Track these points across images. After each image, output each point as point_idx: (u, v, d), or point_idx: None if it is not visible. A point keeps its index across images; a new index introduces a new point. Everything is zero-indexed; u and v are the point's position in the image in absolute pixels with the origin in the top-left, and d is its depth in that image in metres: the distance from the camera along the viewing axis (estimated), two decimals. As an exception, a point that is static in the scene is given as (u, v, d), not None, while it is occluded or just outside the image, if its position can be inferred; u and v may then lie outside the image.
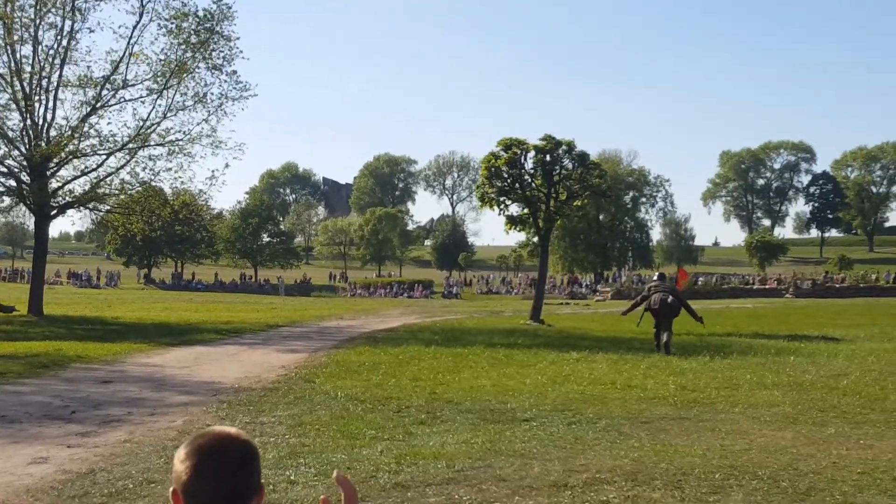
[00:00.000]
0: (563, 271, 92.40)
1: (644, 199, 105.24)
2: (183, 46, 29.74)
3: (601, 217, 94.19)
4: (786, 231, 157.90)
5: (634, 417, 10.44)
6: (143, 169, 30.82)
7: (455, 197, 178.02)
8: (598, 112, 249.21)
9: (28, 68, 28.79)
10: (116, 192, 31.64)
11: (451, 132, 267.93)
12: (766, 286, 71.34)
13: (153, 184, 32.46)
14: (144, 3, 29.15)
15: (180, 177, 31.40)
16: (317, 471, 7.51)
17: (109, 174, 30.81)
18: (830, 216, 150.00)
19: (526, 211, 32.11)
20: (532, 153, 31.48)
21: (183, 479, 1.99)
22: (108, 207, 33.92)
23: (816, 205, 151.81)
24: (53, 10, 28.79)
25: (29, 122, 28.83)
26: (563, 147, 31.47)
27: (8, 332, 22.89)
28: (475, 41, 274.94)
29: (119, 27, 29.46)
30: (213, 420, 10.24)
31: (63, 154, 29.14)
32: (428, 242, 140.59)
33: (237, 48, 30.68)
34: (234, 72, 30.86)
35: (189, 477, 1.98)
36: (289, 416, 10.34)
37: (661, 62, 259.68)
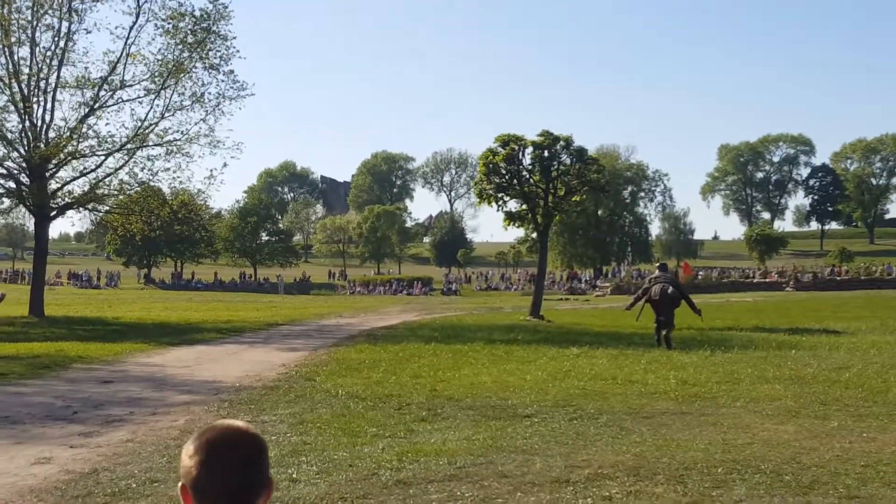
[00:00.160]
0: (563, 267, 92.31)
1: (643, 194, 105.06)
2: (180, 46, 29.72)
3: (600, 212, 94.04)
4: (786, 224, 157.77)
5: (636, 412, 10.44)
6: (142, 169, 30.87)
7: (453, 194, 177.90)
8: (595, 107, 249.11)
9: (26, 70, 28.79)
10: (115, 192, 31.67)
11: (449, 129, 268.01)
12: (768, 279, 71.33)
13: (152, 184, 32.51)
14: (141, 3, 29.16)
15: (179, 177, 31.45)
16: (318, 469, 7.51)
17: (108, 175, 30.85)
18: (830, 209, 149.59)
19: (524, 207, 32.09)
20: (530, 149, 31.47)
21: (192, 475, 1.97)
22: (108, 208, 33.93)
23: (816, 197, 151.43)
24: (50, 11, 28.79)
25: (27, 123, 28.82)
26: (561, 143, 31.46)
27: (9, 333, 22.89)
28: (472, 38, 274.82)
29: (116, 28, 29.54)
30: (214, 419, 10.21)
31: (62, 155, 29.14)
32: (427, 239, 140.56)
33: (234, 48, 30.73)
34: (232, 71, 30.89)
35: (198, 472, 1.97)
36: (290, 415, 10.34)
37: (660, 57, 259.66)
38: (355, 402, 11.28)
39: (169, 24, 29.36)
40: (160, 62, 29.64)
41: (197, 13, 29.60)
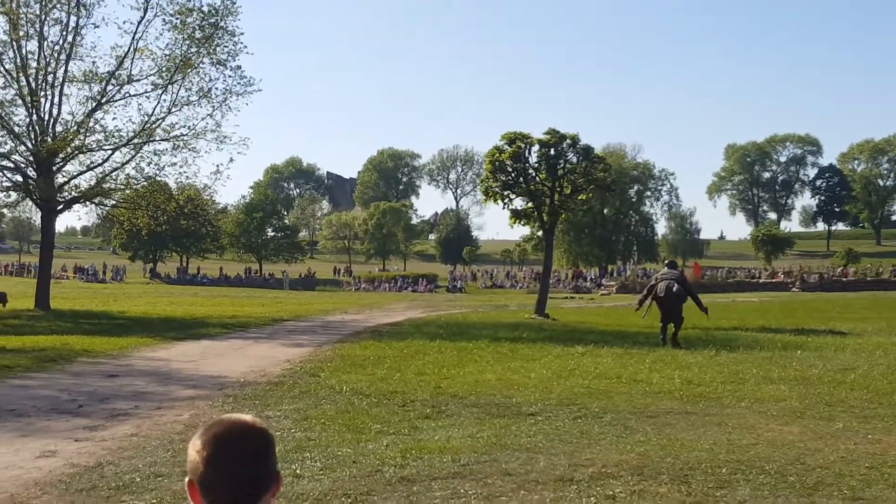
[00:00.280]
0: (568, 265, 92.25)
1: (649, 193, 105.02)
2: (187, 42, 29.73)
3: (606, 211, 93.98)
4: (792, 224, 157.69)
5: (640, 412, 10.42)
6: (149, 164, 30.90)
7: (459, 191, 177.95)
8: (602, 106, 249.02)
9: (34, 64, 28.82)
10: (122, 186, 31.68)
11: (455, 126, 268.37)
12: (774, 280, 71.19)
13: (158, 179, 32.55)
14: (149, -2, 29.14)
15: (185, 171, 31.47)
16: (322, 465, 7.51)
17: (115, 169, 30.88)
18: (837, 209, 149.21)
19: (530, 205, 32.06)
20: (536, 147, 31.42)
21: (199, 470, 1.97)
22: (114, 202, 33.94)
23: (823, 198, 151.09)
24: (58, 5, 28.81)
25: (35, 117, 28.87)
26: (568, 141, 31.41)
27: (15, 327, 22.97)
28: (479, 35, 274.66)
29: (124, 23, 29.55)
30: (219, 414, 10.21)
31: (69, 149, 29.20)
32: (432, 237, 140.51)
33: (241, 43, 30.72)
34: (239, 67, 30.90)
35: (205, 467, 1.97)
36: (294, 411, 10.34)
37: (667, 56, 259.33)
38: (359, 398, 11.28)
39: (177, 19, 29.37)
40: (167, 57, 29.68)
41: (205, 9, 29.62)
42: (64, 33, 28.93)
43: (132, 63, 29.52)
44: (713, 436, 8.92)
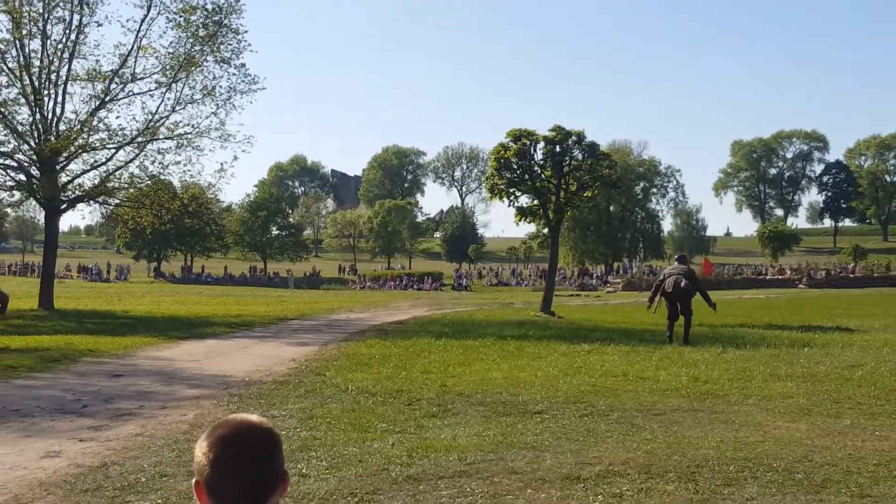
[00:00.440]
0: (574, 263, 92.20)
1: (655, 190, 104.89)
2: (191, 40, 29.72)
3: (612, 208, 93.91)
4: (799, 221, 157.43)
5: (647, 409, 10.38)
6: (152, 162, 30.91)
7: (464, 188, 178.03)
8: (608, 102, 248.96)
9: (37, 62, 28.81)
10: (126, 185, 31.68)
11: (460, 123, 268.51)
12: (781, 276, 71.08)
13: (162, 177, 32.56)
14: (152, -4, 29.13)
15: (189, 170, 31.48)
16: (328, 464, 7.48)
17: (119, 168, 30.88)
18: (844, 205, 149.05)
19: (536, 202, 31.99)
20: (542, 144, 31.34)
21: (206, 472, 1.97)
22: (118, 201, 33.92)
23: (829, 194, 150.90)
24: (61, 3, 28.80)
25: (38, 116, 28.85)
26: (573, 138, 31.32)
27: (19, 327, 22.97)
28: (484, 32, 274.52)
29: (127, 21, 29.46)
30: (224, 414, 10.19)
31: (72, 148, 29.19)
32: (437, 234, 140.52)
33: (245, 41, 30.71)
34: (243, 65, 30.92)
35: (212, 469, 1.96)
36: (300, 410, 10.31)
37: (672, 54, 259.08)
38: (365, 397, 11.25)
39: (180, 17, 29.35)
40: (171, 55, 29.68)
41: (209, 6, 29.63)
42: (67, 31, 28.93)
43: (136, 61, 29.56)
44: (720, 433, 8.87)
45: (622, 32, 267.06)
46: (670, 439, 8.52)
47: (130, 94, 29.98)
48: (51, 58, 28.93)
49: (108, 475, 7.24)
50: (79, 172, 30.80)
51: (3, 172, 30.10)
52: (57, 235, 33.33)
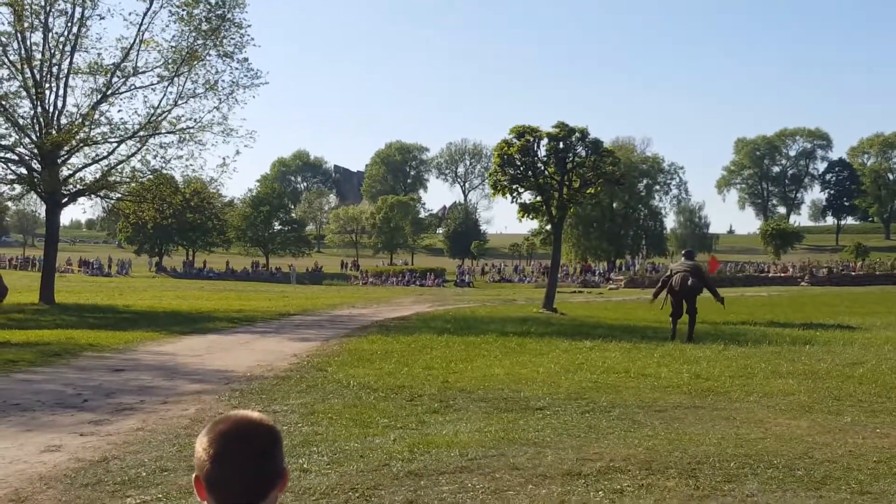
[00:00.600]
0: (577, 259, 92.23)
1: (658, 187, 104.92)
2: (194, 34, 29.65)
3: (614, 205, 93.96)
4: (801, 219, 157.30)
5: (648, 406, 10.37)
6: (154, 157, 30.80)
7: (467, 185, 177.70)
8: (609, 102, 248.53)
9: (38, 56, 28.73)
10: (127, 179, 31.64)
11: (463, 119, 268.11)
12: (783, 274, 71.06)
13: (164, 171, 32.49)
14: (155, -11, 29.07)
15: (191, 164, 31.45)
16: (329, 459, 7.47)
17: (120, 162, 30.80)
18: (846, 203, 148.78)
19: (539, 199, 31.98)
20: (545, 140, 31.32)
21: (206, 468, 1.98)
22: (119, 195, 33.91)
23: (832, 192, 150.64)
24: (64, -4, 28.72)
25: (40, 109, 28.79)
26: (577, 134, 31.30)
27: (19, 321, 22.95)
28: (484, 32, 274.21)
29: (129, 14, 29.39)
30: (225, 409, 10.19)
31: (74, 142, 29.11)
32: (440, 230, 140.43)
33: (248, 35, 30.59)
34: (246, 59, 30.77)
35: (212, 464, 1.97)
36: (301, 405, 10.30)
37: (674, 53, 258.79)
38: (367, 392, 11.25)
39: (183, 10, 29.28)
40: (174, 49, 29.60)
41: (212, 0, 29.55)
42: (69, 24, 28.83)
43: (138, 55, 29.46)
44: (721, 430, 8.87)
45: (622, 32, 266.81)
46: (671, 436, 8.52)
47: (132, 87, 29.92)
48: (52, 51, 28.85)
49: (109, 469, 7.24)
50: (80, 166, 30.73)
51: (5, 166, 30.09)
52: (58, 229, 33.30)
